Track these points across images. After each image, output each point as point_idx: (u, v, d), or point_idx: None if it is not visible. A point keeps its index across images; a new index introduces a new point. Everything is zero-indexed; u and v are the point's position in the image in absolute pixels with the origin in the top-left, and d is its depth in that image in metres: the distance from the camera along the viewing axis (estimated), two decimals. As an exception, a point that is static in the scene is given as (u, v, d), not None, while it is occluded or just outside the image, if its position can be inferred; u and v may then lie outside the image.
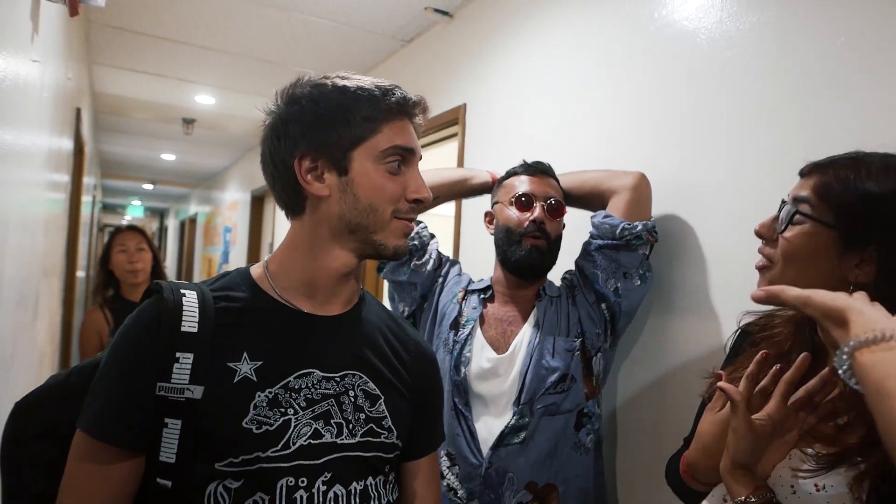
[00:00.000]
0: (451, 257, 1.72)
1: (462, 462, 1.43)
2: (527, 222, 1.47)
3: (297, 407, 0.83)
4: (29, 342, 1.94)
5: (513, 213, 1.50)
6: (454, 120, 2.56)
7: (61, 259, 3.13)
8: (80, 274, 4.11)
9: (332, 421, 0.85)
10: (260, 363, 0.83)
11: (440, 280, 1.65)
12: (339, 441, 0.85)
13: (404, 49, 3.11)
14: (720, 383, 0.85)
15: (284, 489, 0.80)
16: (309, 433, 0.83)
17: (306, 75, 0.89)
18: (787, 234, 0.86)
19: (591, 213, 1.54)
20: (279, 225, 5.65)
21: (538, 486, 1.41)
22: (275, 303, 0.87)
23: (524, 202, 1.49)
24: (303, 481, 0.81)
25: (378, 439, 0.89)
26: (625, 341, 1.63)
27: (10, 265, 1.42)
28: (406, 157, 0.88)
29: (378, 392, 0.90)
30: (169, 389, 0.78)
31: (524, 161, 1.58)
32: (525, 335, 1.49)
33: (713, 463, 0.87)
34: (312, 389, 0.85)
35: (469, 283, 1.63)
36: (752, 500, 0.80)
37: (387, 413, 0.90)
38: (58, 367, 3.24)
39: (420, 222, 1.65)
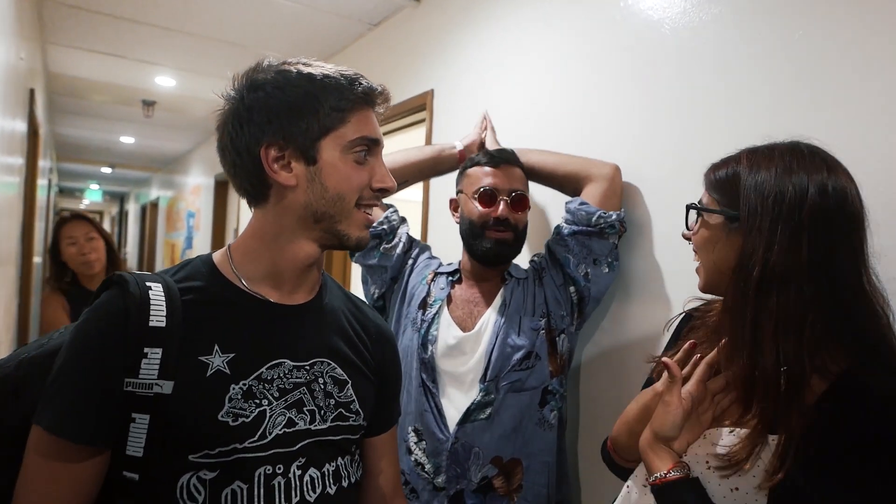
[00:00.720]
0: (422, 241, 1.73)
1: (429, 437, 1.46)
2: (490, 218, 1.49)
3: (270, 398, 0.84)
4: (-15, 330, 1.88)
5: (476, 207, 1.51)
6: (422, 105, 2.56)
7: (16, 245, 3.03)
8: (37, 260, 3.98)
9: (304, 409, 0.86)
10: (232, 355, 0.83)
11: (410, 263, 1.66)
12: (312, 427, 0.87)
13: (371, 33, 3.08)
14: (664, 359, 0.90)
15: (262, 477, 0.81)
16: (283, 422, 0.84)
17: (266, 60, 0.88)
18: (695, 230, 0.97)
19: (567, 199, 1.57)
20: (244, 210, 5.56)
21: (503, 460, 1.45)
22: (242, 293, 0.87)
23: (488, 197, 1.50)
24: (279, 468, 0.83)
25: (346, 423, 0.91)
26: (588, 325, 1.67)
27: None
28: (372, 147, 0.89)
29: (346, 377, 0.92)
30: (137, 385, 0.77)
31: (486, 150, 1.59)
32: (491, 315, 1.52)
33: (634, 441, 0.93)
34: (284, 379, 0.86)
35: (439, 267, 1.65)
36: (672, 474, 0.84)
37: (354, 397, 0.93)
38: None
39: (390, 206, 1.66)
